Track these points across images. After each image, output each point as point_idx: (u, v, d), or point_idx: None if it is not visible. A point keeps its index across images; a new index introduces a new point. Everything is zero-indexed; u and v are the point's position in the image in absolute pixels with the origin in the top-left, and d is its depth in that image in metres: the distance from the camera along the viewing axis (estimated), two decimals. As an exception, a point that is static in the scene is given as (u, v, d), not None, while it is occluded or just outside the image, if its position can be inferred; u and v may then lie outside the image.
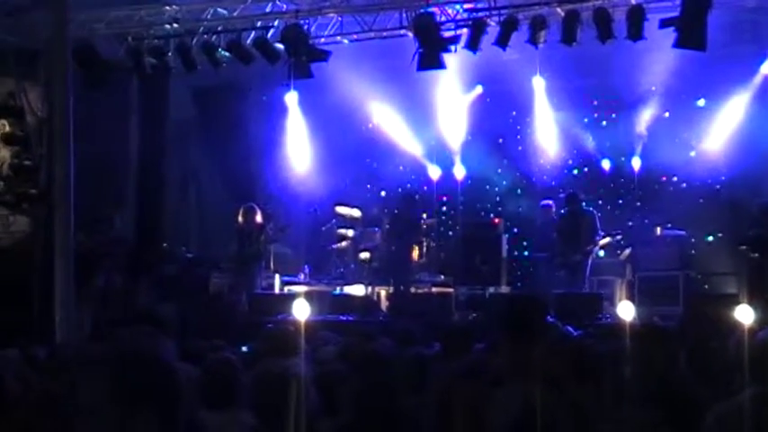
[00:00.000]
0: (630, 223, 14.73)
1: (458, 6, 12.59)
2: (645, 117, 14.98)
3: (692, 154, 14.79)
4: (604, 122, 15.73)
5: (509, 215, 15.68)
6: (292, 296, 12.93)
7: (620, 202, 15.42)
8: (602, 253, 14.13)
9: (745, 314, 5.87)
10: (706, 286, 13.74)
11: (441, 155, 16.51)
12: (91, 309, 11.91)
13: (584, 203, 13.70)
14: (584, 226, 13.38)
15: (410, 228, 13.93)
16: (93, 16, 13.18)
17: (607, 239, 13.74)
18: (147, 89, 14.64)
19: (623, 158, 15.25)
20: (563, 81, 15.18)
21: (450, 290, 13.69)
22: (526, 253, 15.56)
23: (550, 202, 14.23)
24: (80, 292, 9.55)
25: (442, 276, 14.76)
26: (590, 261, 13.36)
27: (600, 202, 15.17)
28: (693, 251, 13.91)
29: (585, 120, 15.83)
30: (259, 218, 13.66)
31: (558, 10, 11.90)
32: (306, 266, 15.63)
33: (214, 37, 13.21)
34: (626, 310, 7.00)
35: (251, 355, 7.23)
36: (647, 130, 15.02)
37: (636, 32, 11.30)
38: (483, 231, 14.39)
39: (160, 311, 10.33)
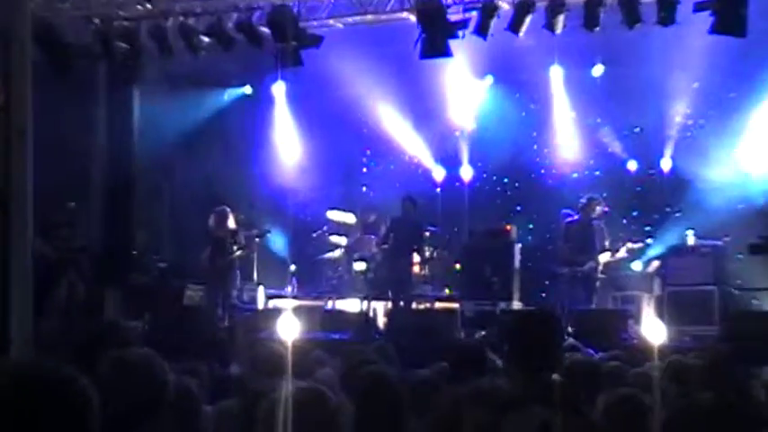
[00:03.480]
0: (649, 228, 14.76)
1: (466, -14, 12.62)
2: (677, 112, 15.02)
3: (731, 154, 14.81)
4: (631, 118, 15.74)
5: (523, 222, 15.68)
6: (278, 311, 12.93)
7: (648, 208, 15.43)
8: (638, 266, 14.15)
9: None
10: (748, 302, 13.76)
11: (446, 154, 16.55)
12: (51, 323, 11.89)
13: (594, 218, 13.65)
14: (597, 233, 13.40)
15: (411, 235, 13.94)
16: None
17: (635, 246, 13.70)
18: (117, 77, 14.65)
19: (652, 159, 15.31)
20: (584, 71, 15.22)
21: (456, 305, 13.75)
22: (541, 264, 15.55)
23: (570, 211, 14.21)
24: (39, 305, 9.54)
25: (447, 290, 14.90)
26: (599, 272, 13.36)
27: (625, 208, 15.20)
28: (731, 263, 13.92)
29: (609, 115, 15.85)
30: (232, 223, 13.68)
31: (579, -9, 11.92)
32: (293, 278, 15.66)
33: (192, 20, 13.21)
34: (654, 330, 7.01)
35: (234, 377, 7.27)
36: (680, 126, 15.07)
37: (667, 16, 11.30)
38: (493, 240, 14.40)
39: (128, 327, 10.36)
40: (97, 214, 14.73)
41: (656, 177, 15.31)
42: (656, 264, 14.02)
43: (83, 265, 13.25)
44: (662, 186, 15.25)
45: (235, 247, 13.64)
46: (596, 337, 10.74)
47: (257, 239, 14.41)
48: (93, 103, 14.68)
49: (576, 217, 13.56)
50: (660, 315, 12.11)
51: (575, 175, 15.67)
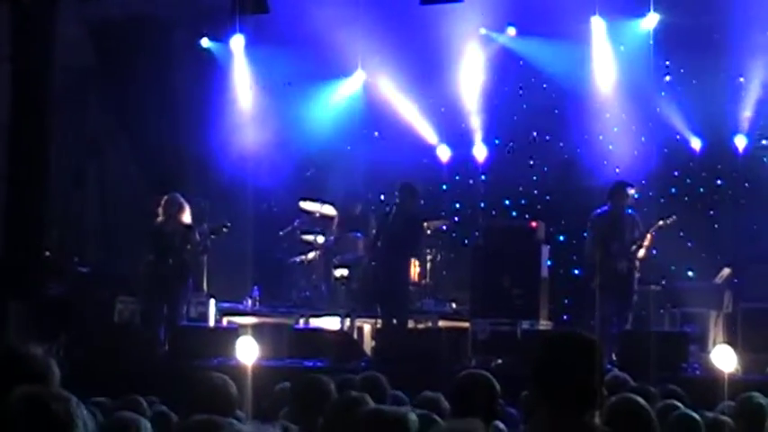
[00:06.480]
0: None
1: None
2: (756, 76, 14.96)
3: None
4: (695, 82, 15.71)
5: (552, 216, 15.64)
6: (234, 331, 12.97)
7: (716, 197, 15.41)
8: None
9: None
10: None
11: (454, 129, 16.53)
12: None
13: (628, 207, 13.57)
14: (628, 227, 13.33)
15: (408, 233, 13.90)
16: None
17: (666, 222, 13.52)
18: (25, 24, 14.56)
19: (722, 135, 15.28)
20: (633, 22, 15.18)
21: (466, 324, 13.72)
22: (576, 272, 15.52)
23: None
24: None
25: (454, 305, 14.91)
26: (636, 276, 13.32)
27: (686, 198, 15.14)
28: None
29: (667, 78, 15.82)
30: (186, 216, 13.63)
31: None
32: (255, 288, 15.64)
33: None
34: (723, 358, 6.98)
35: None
36: (760, 94, 15.01)
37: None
38: (514, 239, 14.36)
39: (38, 353, 10.23)
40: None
41: (729, 159, 15.31)
42: (726, 272, 13.97)
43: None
44: (736, 171, 15.27)
45: (188, 246, 13.59)
46: (648, 367, 10.71)
47: (212, 236, 14.33)
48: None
49: (604, 208, 13.51)
50: (731, 339, 12.08)
51: (619, 155, 15.61)
